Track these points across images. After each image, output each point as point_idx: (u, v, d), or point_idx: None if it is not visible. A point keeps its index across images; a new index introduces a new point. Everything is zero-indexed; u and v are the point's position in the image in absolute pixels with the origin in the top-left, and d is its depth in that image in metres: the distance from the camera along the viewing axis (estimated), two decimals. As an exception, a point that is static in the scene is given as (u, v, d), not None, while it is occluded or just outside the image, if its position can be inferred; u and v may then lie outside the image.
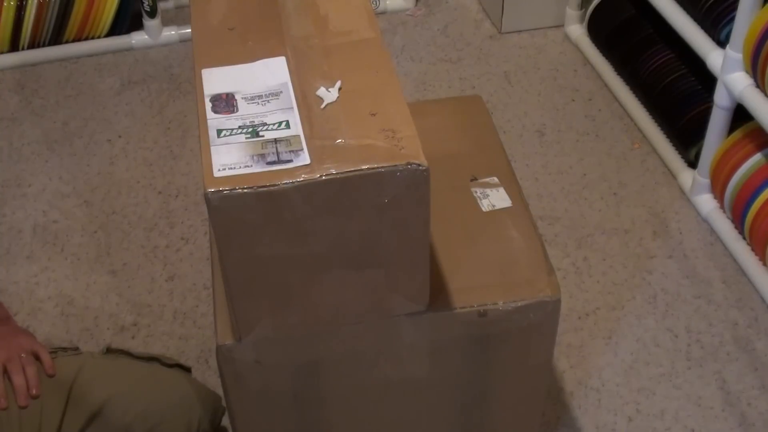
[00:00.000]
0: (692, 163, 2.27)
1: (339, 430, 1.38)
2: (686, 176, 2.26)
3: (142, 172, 2.37)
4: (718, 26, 2.05)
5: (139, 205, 2.27)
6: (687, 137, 2.26)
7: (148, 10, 2.72)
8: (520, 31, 2.86)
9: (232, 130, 1.03)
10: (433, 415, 1.40)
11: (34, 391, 1.31)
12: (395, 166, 1.01)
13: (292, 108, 1.06)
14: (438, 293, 1.25)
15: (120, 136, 2.49)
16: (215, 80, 1.12)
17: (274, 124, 1.04)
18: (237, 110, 1.06)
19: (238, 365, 1.22)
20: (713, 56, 2.04)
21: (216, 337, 1.21)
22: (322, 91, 1.09)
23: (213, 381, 1.83)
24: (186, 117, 2.53)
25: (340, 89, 1.09)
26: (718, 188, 2.12)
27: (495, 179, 1.46)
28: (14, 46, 2.72)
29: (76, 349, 1.46)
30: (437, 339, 1.27)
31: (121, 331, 1.95)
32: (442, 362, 1.31)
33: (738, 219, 2.06)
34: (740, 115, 2.02)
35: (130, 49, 2.77)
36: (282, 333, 1.20)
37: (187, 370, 1.48)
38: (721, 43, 2.04)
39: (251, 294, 1.13)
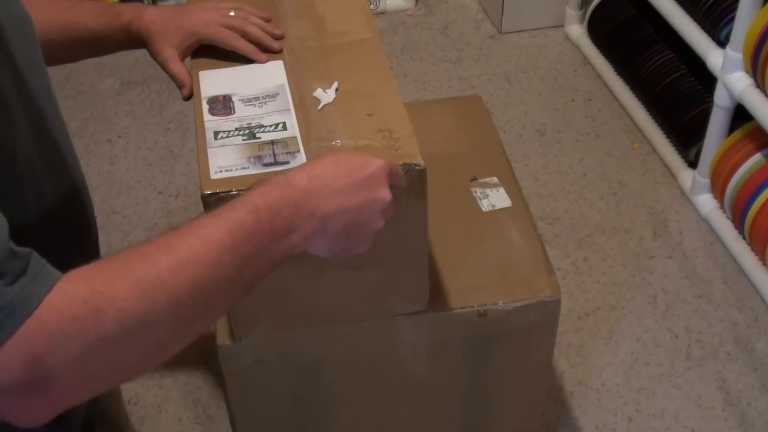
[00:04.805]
0: (692, 163, 2.27)
1: (339, 430, 1.38)
2: (686, 176, 2.26)
3: (142, 172, 2.37)
4: (718, 26, 2.05)
5: (139, 205, 2.27)
6: (687, 137, 2.26)
7: (149, 10, 2.72)
8: (520, 31, 2.86)
9: (229, 132, 1.03)
10: (433, 415, 1.40)
11: (278, 32, 1.18)
12: None
13: (289, 109, 1.06)
14: (438, 293, 1.25)
15: (120, 136, 2.49)
16: (212, 82, 1.11)
17: (270, 126, 1.04)
18: (234, 112, 1.06)
19: (239, 365, 1.22)
20: (713, 56, 2.04)
21: (216, 337, 1.21)
22: (319, 92, 1.08)
23: (213, 381, 1.83)
24: (186, 117, 2.53)
25: (337, 90, 1.09)
26: (718, 188, 2.12)
27: (495, 179, 1.45)
28: (14, 47, 2.72)
29: None
30: (437, 339, 1.27)
31: (121, 331, 1.95)
32: (442, 362, 1.31)
33: (738, 219, 2.06)
34: (740, 115, 2.02)
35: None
36: (282, 333, 1.20)
37: None
38: (721, 43, 2.04)
39: (250, 295, 1.12)
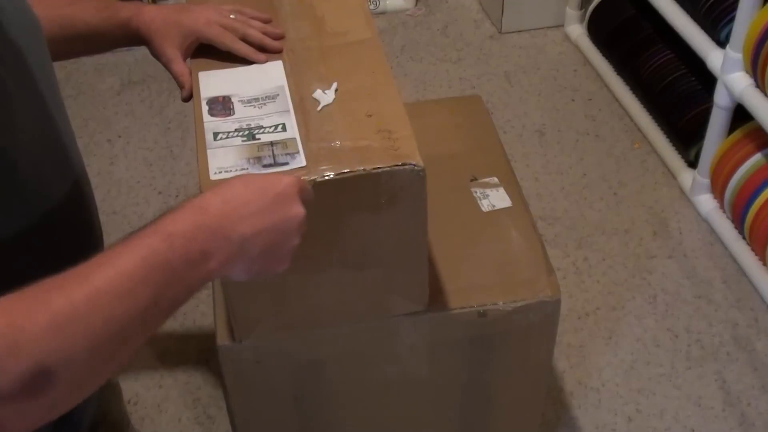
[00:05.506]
0: (692, 163, 2.27)
1: (339, 430, 1.38)
2: (686, 176, 2.26)
3: (142, 172, 2.37)
4: (718, 26, 2.05)
5: (139, 205, 2.27)
6: (687, 137, 2.26)
7: (149, 10, 2.72)
8: (520, 31, 2.85)
9: (229, 133, 1.03)
10: (433, 415, 1.40)
11: (278, 31, 1.19)
12: (391, 166, 1.01)
13: (289, 111, 1.06)
14: (438, 293, 1.25)
15: (120, 136, 2.49)
16: (212, 83, 1.12)
17: (270, 127, 1.04)
18: (233, 113, 1.06)
19: (239, 365, 1.23)
20: (713, 56, 2.04)
21: (216, 338, 1.21)
22: (318, 94, 1.09)
23: (213, 381, 1.83)
24: (186, 117, 2.53)
25: (336, 91, 1.09)
26: (718, 188, 2.12)
27: (495, 179, 1.46)
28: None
29: None
30: (437, 339, 1.27)
31: (121, 331, 1.95)
32: (441, 362, 1.31)
33: (738, 219, 2.06)
34: (740, 115, 2.02)
35: (130, 49, 2.76)
36: (282, 333, 1.20)
37: None
38: (721, 43, 2.04)
39: (250, 295, 1.13)
